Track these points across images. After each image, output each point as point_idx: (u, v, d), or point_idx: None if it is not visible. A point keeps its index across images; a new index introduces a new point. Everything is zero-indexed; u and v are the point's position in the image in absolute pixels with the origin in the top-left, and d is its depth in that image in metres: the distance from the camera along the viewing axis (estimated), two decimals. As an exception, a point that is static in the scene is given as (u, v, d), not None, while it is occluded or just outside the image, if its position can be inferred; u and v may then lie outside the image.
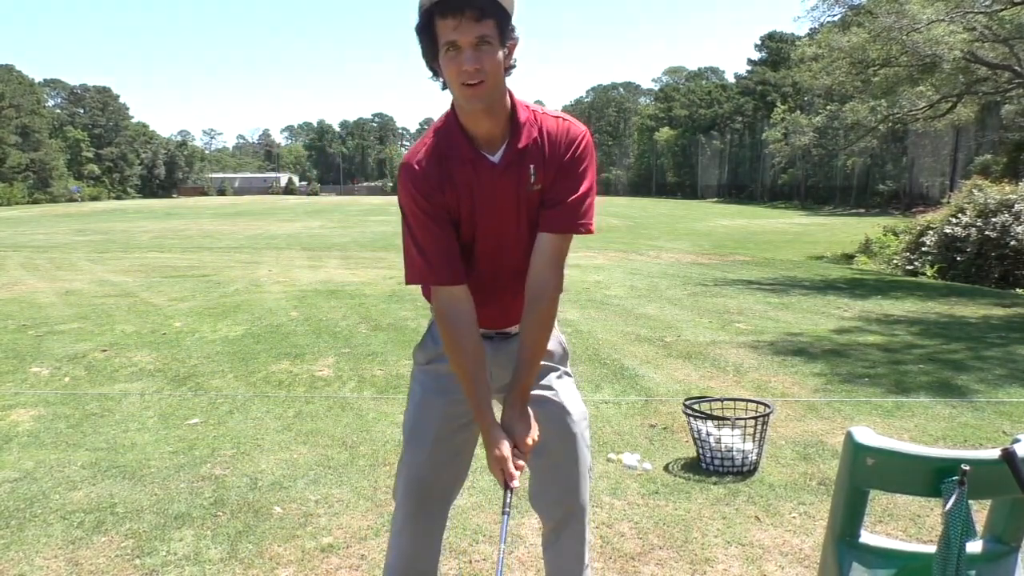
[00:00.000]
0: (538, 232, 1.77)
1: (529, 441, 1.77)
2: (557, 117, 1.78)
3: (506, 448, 1.72)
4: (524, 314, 1.78)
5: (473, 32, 1.56)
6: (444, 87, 1.68)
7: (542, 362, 1.89)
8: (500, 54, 1.61)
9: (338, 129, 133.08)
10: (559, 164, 1.74)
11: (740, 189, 71.99)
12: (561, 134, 1.75)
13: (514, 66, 1.69)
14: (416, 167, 1.73)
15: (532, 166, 1.73)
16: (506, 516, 1.74)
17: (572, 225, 1.75)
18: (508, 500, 1.75)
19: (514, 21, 1.64)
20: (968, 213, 12.89)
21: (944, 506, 1.38)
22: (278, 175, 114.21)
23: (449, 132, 1.73)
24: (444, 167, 1.72)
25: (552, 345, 1.93)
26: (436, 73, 1.67)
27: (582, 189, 1.75)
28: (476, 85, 1.59)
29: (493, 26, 1.58)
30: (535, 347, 1.79)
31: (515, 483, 1.71)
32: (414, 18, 1.67)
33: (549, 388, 1.91)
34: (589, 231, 1.76)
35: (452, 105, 1.73)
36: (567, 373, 1.98)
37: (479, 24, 1.56)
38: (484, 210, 1.75)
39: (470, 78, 1.58)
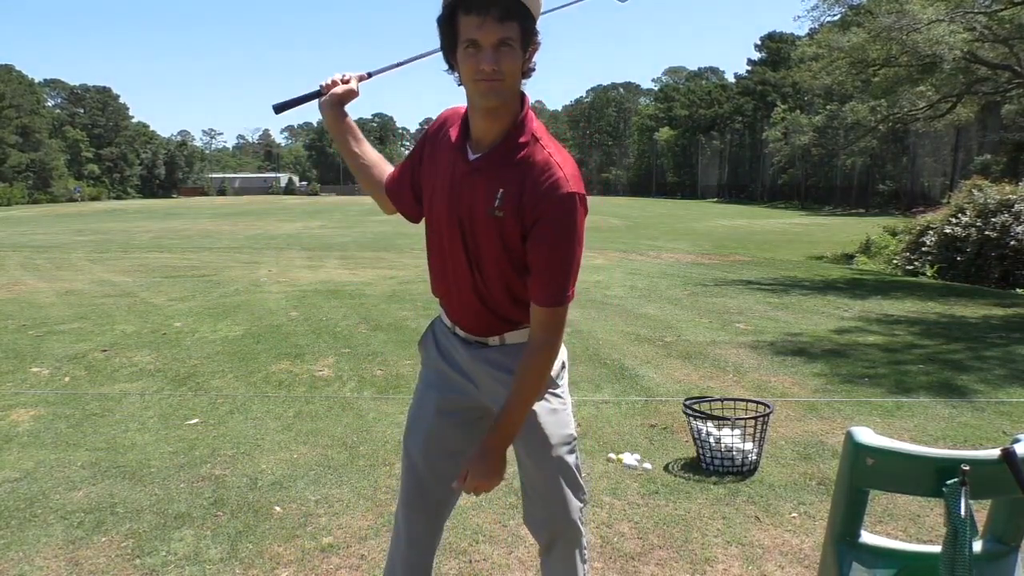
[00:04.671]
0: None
1: (466, 486, 1.73)
2: (552, 158, 1.65)
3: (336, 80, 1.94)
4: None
5: (496, 33, 1.54)
6: (460, 83, 1.66)
7: None
8: (520, 57, 1.60)
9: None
10: (524, 205, 1.63)
11: (740, 189, 71.99)
12: (542, 174, 1.63)
13: (533, 70, 1.66)
14: (437, 121, 1.85)
15: (502, 191, 1.64)
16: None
17: (545, 299, 1.65)
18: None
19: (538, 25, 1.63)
20: (968, 213, 12.89)
21: (959, 509, 1.37)
22: (278, 175, 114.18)
23: (461, 117, 1.76)
24: (443, 139, 1.78)
25: None
26: (452, 67, 1.66)
27: (557, 261, 1.63)
28: (493, 81, 1.58)
29: (516, 28, 1.56)
30: (515, 395, 1.69)
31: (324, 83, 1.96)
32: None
33: (529, 412, 1.78)
34: (560, 305, 1.65)
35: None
36: (555, 394, 1.85)
37: (502, 25, 1.54)
38: (439, 201, 1.76)
39: (487, 77, 1.57)
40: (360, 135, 1.97)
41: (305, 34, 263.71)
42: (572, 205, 1.61)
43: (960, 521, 1.37)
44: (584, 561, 1.89)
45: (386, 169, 1.97)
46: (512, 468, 3.61)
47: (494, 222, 1.66)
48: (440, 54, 1.71)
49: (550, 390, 1.86)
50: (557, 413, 1.85)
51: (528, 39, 1.61)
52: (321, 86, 1.95)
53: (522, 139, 1.66)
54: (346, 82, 1.95)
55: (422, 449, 1.91)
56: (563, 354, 1.91)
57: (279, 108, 1.98)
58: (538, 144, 1.67)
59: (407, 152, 1.98)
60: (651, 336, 6.81)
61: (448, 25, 1.60)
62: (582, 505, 1.86)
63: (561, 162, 1.65)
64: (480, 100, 1.62)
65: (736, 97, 74.59)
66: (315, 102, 1.95)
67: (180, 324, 7.40)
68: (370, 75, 2.01)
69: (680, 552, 2.82)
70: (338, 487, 3.41)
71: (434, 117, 1.88)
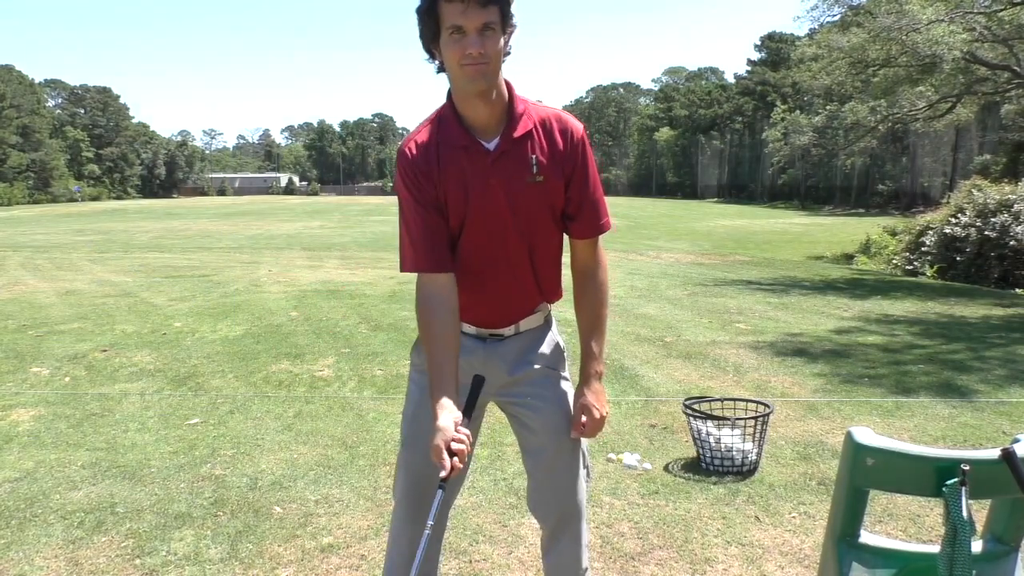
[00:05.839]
0: (570, 238, 1.86)
1: (596, 415, 1.83)
2: (550, 109, 1.79)
3: (443, 437, 1.59)
4: (576, 297, 1.88)
5: (479, 18, 1.58)
6: (439, 70, 1.69)
7: (536, 366, 1.89)
8: (501, 40, 1.63)
9: (338, 129, 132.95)
10: (560, 159, 1.75)
11: (740, 189, 71.91)
12: (558, 128, 1.76)
13: (509, 53, 1.69)
14: (409, 153, 1.75)
15: (534, 157, 1.73)
16: (435, 502, 1.62)
17: (594, 229, 1.84)
18: (438, 499, 1.62)
19: (513, 8, 1.66)
20: (968, 213, 12.88)
21: (958, 509, 1.37)
22: (278, 175, 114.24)
23: (445, 119, 1.75)
24: (437, 153, 1.74)
25: (546, 348, 1.92)
26: (433, 56, 1.68)
27: (593, 192, 1.81)
28: (479, 64, 1.61)
29: (497, 12, 1.60)
30: (593, 320, 1.87)
31: (444, 473, 1.59)
32: (414, 16, 1.67)
33: (545, 394, 1.89)
34: (607, 228, 1.85)
35: (448, 95, 1.74)
36: (564, 377, 1.95)
37: (485, 10, 1.58)
38: (475, 198, 1.74)
39: (473, 61, 1.60)
40: (452, 384, 1.70)
41: (306, 33, 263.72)
42: (587, 140, 1.81)
43: (960, 521, 1.37)
44: (587, 545, 1.97)
45: (453, 339, 1.74)
46: (512, 468, 3.61)
47: (536, 189, 1.75)
48: None
49: (561, 373, 1.94)
50: (569, 395, 1.93)
51: (507, 23, 1.65)
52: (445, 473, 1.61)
53: (520, 109, 1.74)
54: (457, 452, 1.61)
55: (426, 460, 1.90)
56: (563, 342, 1.99)
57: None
58: (532, 104, 1.78)
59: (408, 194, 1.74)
60: (651, 336, 6.80)
61: (429, 14, 1.62)
62: (588, 485, 1.96)
63: (559, 110, 1.81)
64: (469, 85, 1.64)
65: (736, 97, 74.52)
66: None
67: (180, 324, 7.40)
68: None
69: (680, 552, 2.82)
70: (338, 487, 3.41)
71: (407, 148, 1.80)
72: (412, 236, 1.74)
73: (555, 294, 1.93)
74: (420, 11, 1.64)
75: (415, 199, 1.73)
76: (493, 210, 1.74)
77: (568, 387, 1.94)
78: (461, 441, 1.60)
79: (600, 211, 1.84)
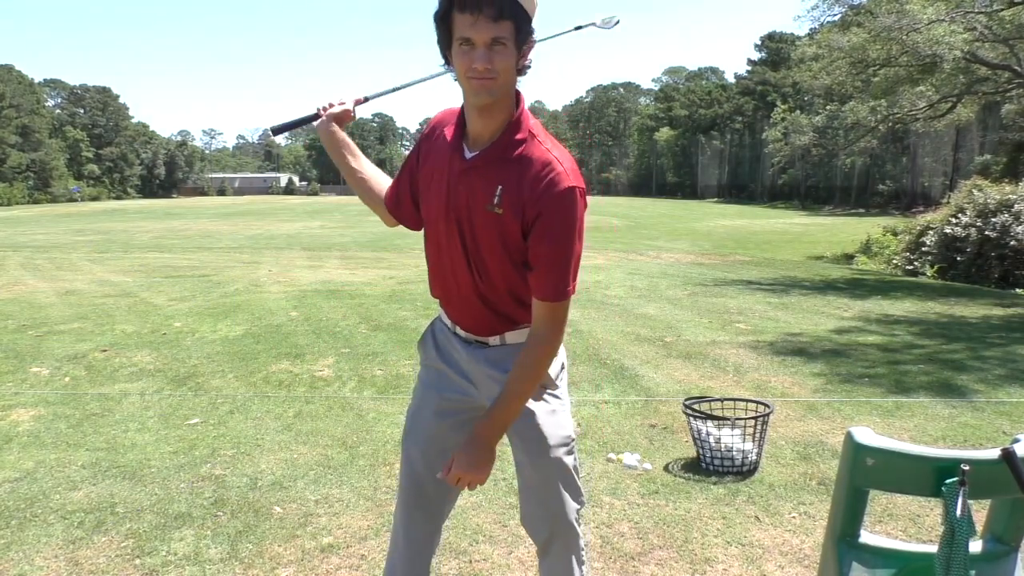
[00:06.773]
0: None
1: (450, 477, 1.72)
2: (549, 153, 1.65)
3: (336, 105, 2.00)
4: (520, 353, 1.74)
5: (489, 32, 1.54)
6: (456, 78, 1.67)
7: None
8: (513, 56, 1.60)
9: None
10: (524, 202, 1.64)
11: (740, 189, 71.91)
12: (540, 171, 1.63)
13: (529, 66, 1.66)
14: (429, 126, 1.86)
15: (500, 187, 1.65)
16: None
17: (545, 292, 1.66)
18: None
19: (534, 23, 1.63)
20: (968, 213, 12.89)
21: (956, 509, 1.37)
22: (278, 175, 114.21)
23: (458, 117, 1.76)
24: (436, 140, 1.79)
25: None
26: (448, 62, 1.67)
27: (554, 253, 1.63)
28: (485, 79, 1.59)
29: (510, 27, 1.56)
30: (510, 383, 1.70)
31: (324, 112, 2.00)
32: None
33: (528, 409, 1.79)
34: (564, 298, 1.66)
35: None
36: (553, 395, 1.86)
37: (496, 24, 1.54)
38: (436, 200, 1.76)
39: (479, 76, 1.58)
40: (357, 151, 2.00)
41: (306, 34, 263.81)
42: (572, 199, 1.62)
43: (957, 521, 1.37)
44: (581, 563, 1.89)
45: (385, 183, 1.99)
46: (512, 468, 3.60)
47: (493, 218, 1.67)
48: (436, 77, 1.87)
49: (549, 390, 1.86)
50: (556, 414, 1.85)
51: (523, 37, 1.60)
52: (318, 109, 2.01)
53: (519, 136, 1.67)
54: (341, 104, 2.02)
55: (422, 450, 1.92)
56: (562, 355, 1.92)
57: (277, 130, 2.03)
58: (535, 140, 1.68)
59: (406, 152, 1.99)
60: (651, 336, 6.80)
61: (443, 22, 1.61)
62: (579, 507, 1.87)
63: (559, 157, 1.66)
64: (473, 97, 1.63)
65: (736, 97, 74.50)
66: (312, 124, 2.01)
67: (180, 324, 7.40)
68: (367, 99, 2.08)
69: (680, 552, 2.82)
70: (338, 487, 3.41)
71: (433, 117, 1.89)
72: (393, 179, 1.96)
73: (527, 321, 1.78)
74: (436, 17, 1.62)
75: (408, 157, 1.90)
76: (455, 218, 1.73)
77: (557, 404, 1.85)
78: (331, 109, 1.99)
79: (561, 276, 1.64)
